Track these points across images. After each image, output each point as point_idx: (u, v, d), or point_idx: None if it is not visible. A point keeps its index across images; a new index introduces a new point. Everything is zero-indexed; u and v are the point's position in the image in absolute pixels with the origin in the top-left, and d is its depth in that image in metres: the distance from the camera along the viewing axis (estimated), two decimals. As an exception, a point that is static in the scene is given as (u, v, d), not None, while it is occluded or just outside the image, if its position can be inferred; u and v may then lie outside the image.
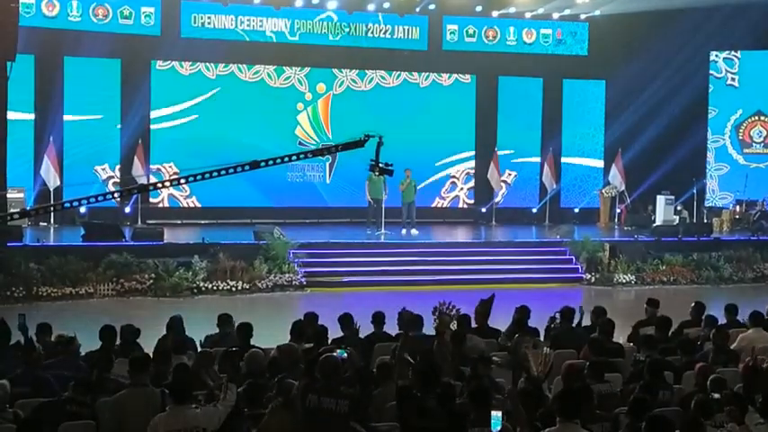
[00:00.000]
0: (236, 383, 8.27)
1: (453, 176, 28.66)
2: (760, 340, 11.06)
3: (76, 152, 25.08)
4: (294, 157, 8.71)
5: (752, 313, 11.92)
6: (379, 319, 11.70)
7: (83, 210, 22.56)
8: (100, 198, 9.36)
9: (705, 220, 27.24)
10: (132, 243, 21.46)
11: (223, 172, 8.62)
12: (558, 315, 11.92)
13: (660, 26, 26.73)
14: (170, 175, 25.26)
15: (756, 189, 27.31)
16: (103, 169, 25.42)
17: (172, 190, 25.70)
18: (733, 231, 26.54)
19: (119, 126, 25.45)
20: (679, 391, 9.16)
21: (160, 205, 26.19)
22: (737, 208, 27.38)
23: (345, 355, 8.86)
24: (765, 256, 24.32)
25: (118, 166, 25.51)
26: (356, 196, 25.87)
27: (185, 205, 26.44)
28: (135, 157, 24.72)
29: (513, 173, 28.87)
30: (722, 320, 12.41)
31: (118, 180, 25.30)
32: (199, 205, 26.46)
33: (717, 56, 28.91)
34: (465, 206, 28.90)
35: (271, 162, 8.72)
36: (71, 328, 10.97)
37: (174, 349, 10.14)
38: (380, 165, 9.15)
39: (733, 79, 28.77)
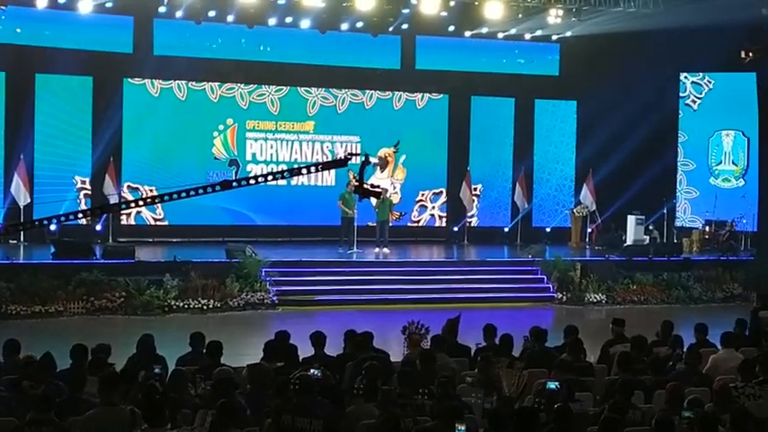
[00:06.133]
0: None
1: (421, 199, 28.72)
2: (731, 361, 11.12)
3: (47, 170, 24.94)
4: (270, 177, 8.43)
5: (723, 334, 11.98)
6: (350, 338, 11.70)
7: (53, 228, 22.41)
8: (71, 217, 9.26)
9: (675, 241, 27.40)
10: (103, 261, 21.31)
11: (192, 193, 8.38)
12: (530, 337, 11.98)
13: (631, 48, 26.89)
14: (136, 194, 25.24)
15: (725, 209, 27.50)
16: (83, 182, 25.33)
17: (143, 208, 25.60)
18: (703, 251, 26.68)
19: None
20: (649, 411, 9.19)
21: (131, 223, 26.04)
22: (707, 228, 27.53)
23: (319, 374, 8.86)
24: (734, 276, 24.47)
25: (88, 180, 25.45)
26: (328, 214, 25.83)
27: (156, 223, 26.32)
28: (106, 175, 24.61)
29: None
30: (692, 340, 12.49)
31: (89, 192, 25.21)
32: (170, 223, 26.34)
33: (686, 77, 29.14)
34: (437, 225, 28.92)
35: (244, 182, 8.49)
36: (41, 347, 10.91)
37: (143, 368, 10.09)
38: (366, 186, 8.63)
39: (702, 100, 28.99)
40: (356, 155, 8.47)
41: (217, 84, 26.67)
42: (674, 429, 7.99)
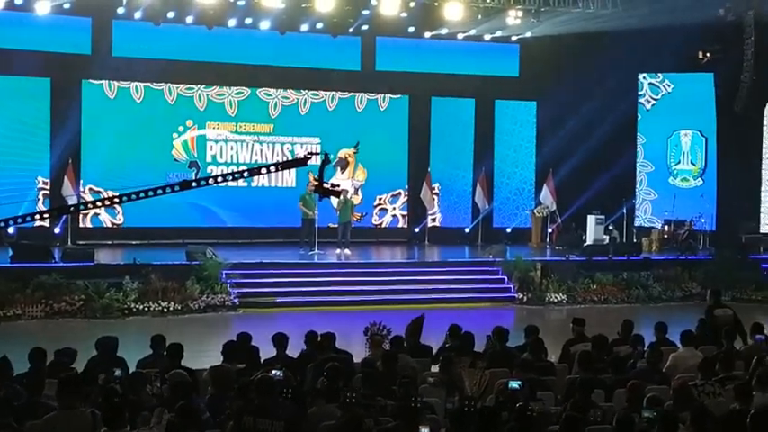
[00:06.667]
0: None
1: (380, 203, 28.73)
2: (691, 359, 11.20)
3: (5, 170, 24.71)
4: (230, 177, 8.43)
5: (683, 332, 12.06)
6: (312, 338, 11.67)
7: (11, 230, 22.20)
8: (28, 218, 9.16)
9: (635, 240, 27.58)
10: (62, 264, 21.14)
11: (151, 193, 8.34)
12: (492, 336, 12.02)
13: (590, 48, 27.01)
14: (94, 196, 25.04)
15: (684, 209, 27.70)
16: (44, 182, 25.14)
17: (102, 210, 25.43)
18: (662, 251, 26.87)
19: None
20: (609, 410, 9.24)
21: (90, 225, 25.84)
22: (666, 228, 27.73)
23: (281, 375, 8.84)
24: (693, 275, 24.62)
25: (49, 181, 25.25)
26: (289, 216, 25.77)
27: (115, 225, 26.13)
28: (65, 177, 24.41)
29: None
30: (652, 338, 12.57)
31: (48, 193, 25.00)
32: (130, 225, 26.15)
33: (645, 78, 29.34)
34: (400, 226, 28.94)
35: (204, 182, 8.45)
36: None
37: (103, 370, 10.00)
38: (325, 185, 8.64)
39: (658, 102, 29.20)
40: (316, 154, 8.47)
41: (176, 85, 26.54)
42: (635, 428, 8.03)
